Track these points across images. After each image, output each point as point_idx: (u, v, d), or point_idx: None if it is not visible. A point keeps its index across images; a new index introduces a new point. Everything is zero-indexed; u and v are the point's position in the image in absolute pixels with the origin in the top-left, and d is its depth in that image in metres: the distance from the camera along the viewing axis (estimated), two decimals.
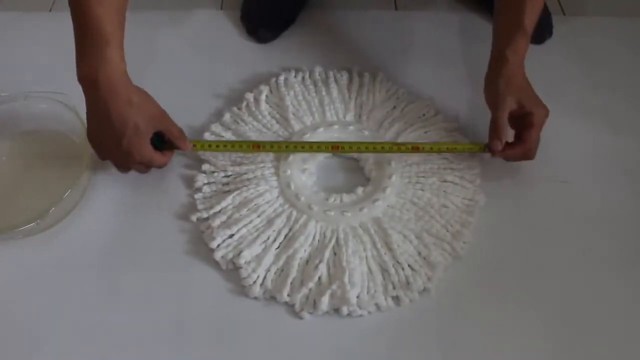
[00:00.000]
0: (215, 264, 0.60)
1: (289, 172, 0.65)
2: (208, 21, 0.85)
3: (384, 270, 0.59)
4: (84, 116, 0.65)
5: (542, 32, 0.82)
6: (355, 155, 0.68)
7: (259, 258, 0.59)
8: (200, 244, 0.62)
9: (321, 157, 0.68)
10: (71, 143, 0.68)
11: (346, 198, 0.64)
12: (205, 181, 0.66)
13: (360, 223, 0.61)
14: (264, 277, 0.58)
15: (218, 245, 0.60)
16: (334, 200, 0.63)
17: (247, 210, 0.62)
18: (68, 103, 0.67)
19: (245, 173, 0.65)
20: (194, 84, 0.77)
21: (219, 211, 0.62)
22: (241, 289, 0.58)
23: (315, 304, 0.56)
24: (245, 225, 0.61)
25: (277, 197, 0.64)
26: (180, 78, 0.78)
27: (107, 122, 0.57)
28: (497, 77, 0.62)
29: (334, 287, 0.56)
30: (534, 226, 0.64)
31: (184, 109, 0.73)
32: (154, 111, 0.61)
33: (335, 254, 0.59)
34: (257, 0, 0.83)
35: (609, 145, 0.71)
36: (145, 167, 0.63)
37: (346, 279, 0.56)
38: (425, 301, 0.58)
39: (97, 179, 0.66)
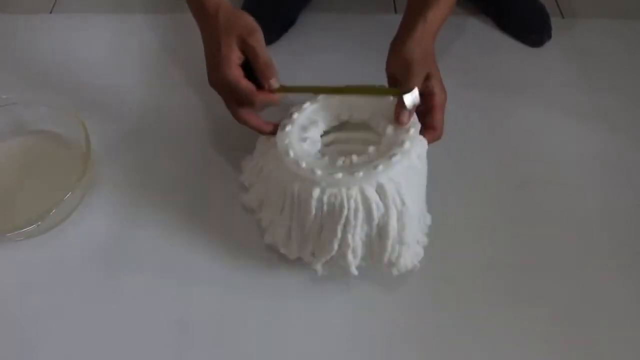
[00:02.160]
0: (216, 266, 0.60)
1: (287, 141, 0.57)
2: None
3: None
4: (84, 118, 0.65)
5: (542, 34, 0.82)
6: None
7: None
8: (200, 246, 0.62)
9: (325, 126, 0.60)
10: (72, 145, 0.68)
11: (355, 159, 0.55)
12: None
13: (377, 183, 0.52)
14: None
15: None
16: (341, 162, 0.54)
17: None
18: (70, 105, 0.67)
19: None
20: (194, 87, 0.77)
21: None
22: (243, 289, 0.59)
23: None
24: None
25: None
26: (181, 80, 0.78)
27: (203, 42, 0.55)
28: (413, 45, 0.54)
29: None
30: (533, 227, 0.64)
31: (184, 112, 0.74)
32: (241, 28, 0.53)
33: (344, 225, 0.53)
34: (257, 3, 0.83)
35: (608, 147, 0.71)
36: (240, 102, 0.54)
37: (350, 256, 0.54)
38: (421, 303, 0.58)
39: (97, 182, 0.66)
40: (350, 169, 0.53)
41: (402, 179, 0.53)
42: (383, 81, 0.59)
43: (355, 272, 0.55)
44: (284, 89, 0.56)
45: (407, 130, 0.55)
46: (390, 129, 0.56)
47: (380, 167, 0.52)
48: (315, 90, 0.60)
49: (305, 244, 0.56)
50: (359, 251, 0.55)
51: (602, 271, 0.61)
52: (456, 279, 0.60)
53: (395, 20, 0.58)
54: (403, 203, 0.53)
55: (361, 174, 0.52)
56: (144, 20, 0.86)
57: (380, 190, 0.52)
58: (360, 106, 0.59)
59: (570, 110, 0.75)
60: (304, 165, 0.54)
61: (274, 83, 0.55)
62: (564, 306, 0.58)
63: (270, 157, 0.58)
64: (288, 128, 0.58)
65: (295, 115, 0.60)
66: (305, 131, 0.59)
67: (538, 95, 0.76)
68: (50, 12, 0.88)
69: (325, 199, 0.52)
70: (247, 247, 0.62)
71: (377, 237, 0.54)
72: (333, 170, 0.53)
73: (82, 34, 0.84)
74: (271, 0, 0.83)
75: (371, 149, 0.55)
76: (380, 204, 0.52)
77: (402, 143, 0.54)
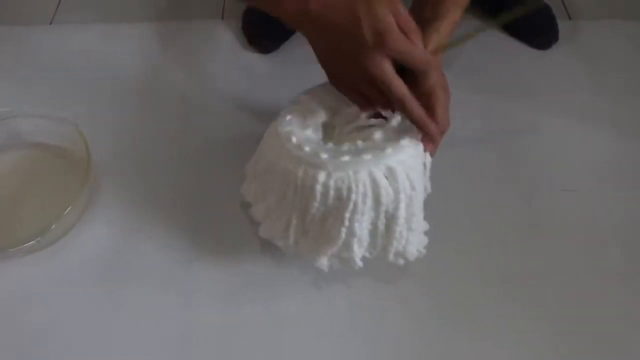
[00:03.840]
0: (216, 279, 0.59)
1: (288, 128, 0.54)
2: (209, 31, 0.85)
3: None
4: (85, 131, 0.65)
5: (548, 37, 0.81)
6: None
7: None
8: (201, 259, 0.61)
9: (324, 115, 0.58)
10: (72, 158, 0.67)
11: (361, 144, 0.52)
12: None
13: (386, 167, 0.50)
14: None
15: None
16: (347, 147, 0.52)
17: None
18: (69, 118, 0.66)
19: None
20: (196, 95, 0.76)
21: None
22: (243, 302, 0.58)
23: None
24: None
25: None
26: (181, 88, 0.77)
27: (332, 25, 0.49)
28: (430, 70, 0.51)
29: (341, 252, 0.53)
30: (540, 233, 0.63)
31: (186, 122, 0.73)
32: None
33: (352, 211, 0.51)
34: (258, 10, 0.83)
35: (617, 151, 0.70)
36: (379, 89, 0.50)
37: (355, 246, 0.52)
38: (427, 306, 0.57)
39: (98, 196, 0.66)
40: (357, 152, 0.50)
41: (412, 163, 0.51)
42: None
43: (360, 263, 0.53)
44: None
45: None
46: (394, 119, 0.53)
47: (389, 150, 0.50)
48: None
49: (306, 236, 0.54)
50: (365, 240, 0.52)
51: (609, 279, 0.59)
52: (459, 284, 0.59)
53: None
54: (413, 188, 0.51)
55: (369, 156, 0.49)
56: (144, 29, 0.86)
57: (390, 174, 0.50)
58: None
59: (578, 113, 0.74)
60: (307, 149, 0.51)
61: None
62: (567, 313, 0.57)
63: (270, 147, 0.56)
64: (288, 117, 0.56)
65: (294, 106, 0.58)
66: (305, 119, 0.56)
67: (545, 99, 0.75)
68: (50, 24, 0.87)
69: (331, 183, 0.49)
70: (248, 258, 0.61)
71: (385, 224, 0.52)
72: (339, 154, 0.50)
73: (82, 45, 0.83)
74: None
75: (377, 134, 0.52)
76: (390, 189, 0.50)
77: (409, 129, 0.52)
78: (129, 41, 0.83)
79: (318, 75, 0.76)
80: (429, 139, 0.52)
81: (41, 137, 0.68)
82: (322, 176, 0.49)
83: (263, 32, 0.81)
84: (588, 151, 0.70)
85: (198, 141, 0.71)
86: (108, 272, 0.60)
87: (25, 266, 0.60)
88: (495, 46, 0.82)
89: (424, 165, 0.54)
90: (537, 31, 0.82)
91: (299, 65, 0.79)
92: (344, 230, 0.51)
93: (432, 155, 0.54)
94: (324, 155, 0.50)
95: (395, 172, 0.50)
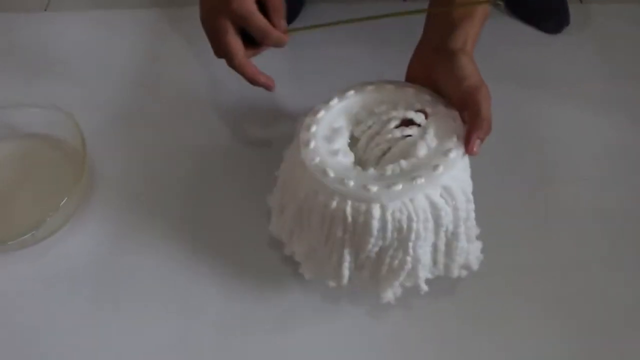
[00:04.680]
0: (216, 280, 0.58)
1: (317, 159, 0.49)
2: None
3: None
4: (80, 121, 0.64)
5: (559, 20, 0.79)
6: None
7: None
8: (199, 258, 0.59)
9: (348, 132, 0.53)
10: (68, 149, 0.66)
11: (405, 164, 0.47)
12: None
13: (442, 187, 0.47)
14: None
15: None
16: (391, 171, 0.47)
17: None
18: (64, 107, 0.65)
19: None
20: (192, 83, 0.75)
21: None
22: (242, 304, 0.56)
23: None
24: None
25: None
26: (179, 77, 0.76)
27: None
28: (466, 61, 0.50)
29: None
30: (550, 224, 0.61)
31: (182, 109, 0.72)
32: None
33: (415, 239, 0.48)
34: None
35: (631, 138, 0.68)
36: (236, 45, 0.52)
37: (421, 271, 0.50)
38: (434, 302, 0.56)
39: (95, 187, 0.65)
40: (407, 176, 0.46)
41: (462, 175, 0.48)
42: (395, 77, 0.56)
43: (426, 287, 0.51)
44: (293, 29, 0.54)
45: (454, 119, 0.50)
46: (431, 123, 0.50)
47: (441, 168, 0.46)
48: (333, 24, 0.54)
49: (361, 270, 0.50)
50: (427, 263, 0.50)
51: (622, 271, 0.58)
52: (470, 280, 0.56)
53: (402, 9, 0.55)
54: (468, 200, 0.48)
55: (423, 179, 0.45)
56: (141, 16, 0.84)
57: (447, 193, 0.47)
58: (379, 102, 0.53)
59: (590, 100, 0.71)
60: (352, 183, 0.46)
61: (284, 23, 0.54)
62: (577, 306, 0.56)
63: (297, 181, 0.50)
64: (312, 144, 0.50)
65: (314, 128, 0.51)
66: (330, 143, 0.51)
67: (556, 86, 0.73)
68: (45, 10, 0.86)
69: (389, 216, 0.45)
70: (251, 263, 0.59)
71: (445, 243, 0.50)
72: (389, 182, 0.46)
73: (77, 32, 0.82)
74: None
75: (422, 150, 0.48)
76: (448, 208, 0.47)
77: (451, 137, 0.48)
78: (125, 29, 0.82)
79: (322, 60, 0.74)
80: (473, 142, 0.48)
81: (35, 127, 0.67)
82: (377, 210, 0.45)
83: None
84: (600, 138, 0.68)
85: (196, 130, 0.70)
86: (104, 268, 0.59)
87: (19, 261, 0.59)
88: (503, 30, 0.79)
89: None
90: (547, 14, 0.79)
91: (300, 50, 0.76)
92: (408, 260, 0.48)
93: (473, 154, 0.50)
94: (374, 188, 0.45)
95: (452, 190, 0.47)
